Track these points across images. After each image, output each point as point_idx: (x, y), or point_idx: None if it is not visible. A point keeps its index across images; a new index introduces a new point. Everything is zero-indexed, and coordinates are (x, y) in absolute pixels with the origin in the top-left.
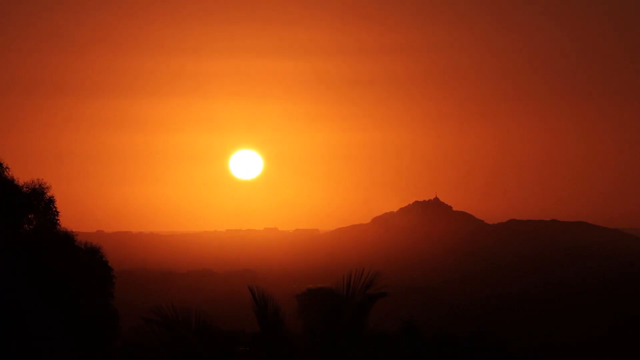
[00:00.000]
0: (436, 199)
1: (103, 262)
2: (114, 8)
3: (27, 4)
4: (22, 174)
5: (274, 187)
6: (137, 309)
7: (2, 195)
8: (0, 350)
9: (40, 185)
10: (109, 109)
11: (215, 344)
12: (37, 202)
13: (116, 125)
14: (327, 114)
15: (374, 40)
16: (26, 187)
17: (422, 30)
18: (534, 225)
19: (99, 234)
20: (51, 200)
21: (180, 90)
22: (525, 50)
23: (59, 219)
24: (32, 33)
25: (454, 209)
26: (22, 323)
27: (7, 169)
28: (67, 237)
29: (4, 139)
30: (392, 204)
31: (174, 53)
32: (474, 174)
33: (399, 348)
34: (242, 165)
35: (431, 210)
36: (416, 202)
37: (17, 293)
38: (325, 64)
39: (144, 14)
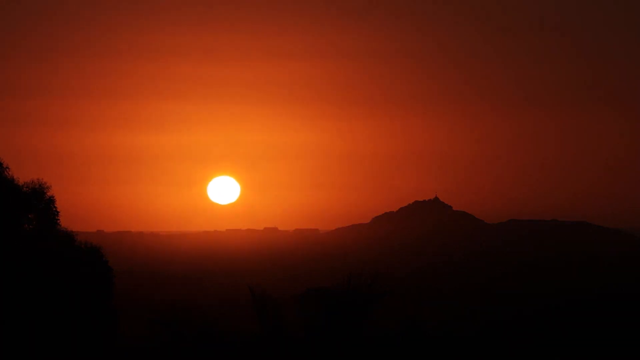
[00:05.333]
0: (436, 199)
1: (103, 262)
2: (113, 13)
3: (28, 7)
4: (22, 174)
5: (268, 192)
6: (137, 309)
7: (2, 195)
8: (0, 349)
9: (40, 185)
10: (109, 110)
11: (215, 344)
12: (37, 202)
13: (116, 126)
14: (326, 114)
15: (372, 41)
16: (26, 187)
17: (420, 31)
18: (534, 225)
19: (99, 234)
20: (51, 200)
21: (180, 93)
22: (524, 51)
23: (59, 219)
24: (32, 35)
25: (454, 209)
26: (21, 322)
27: (7, 169)
28: (67, 237)
29: (4, 139)
30: (392, 204)
31: (174, 57)
32: (474, 174)
33: (400, 348)
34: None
35: (431, 210)
36: (416, 202)
37: (17, 293)
38: (325, 66)
39: (139, 19)
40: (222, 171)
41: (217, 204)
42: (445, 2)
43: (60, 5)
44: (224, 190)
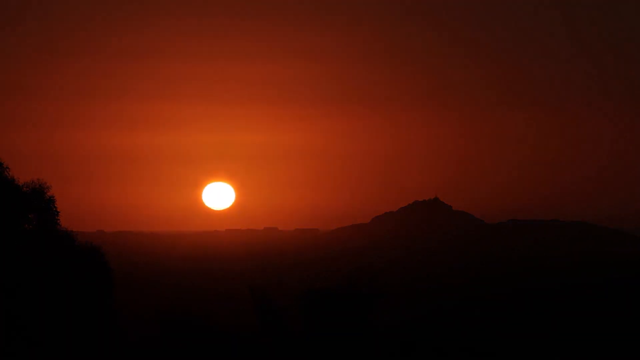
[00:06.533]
0: (436, 199)
1: (103, 262)
2: (112, 14)
3: (28, 8)
4: (22, 174)
5: (268, 193)
6: (137, 308)
7: (2, 195)
8: (0, 348)
9: (40, 185)
10: (109, 110)
11: (215, 343)
12: (37, 202)
13: (116, 126)
14: (327, 115)
15: (372, 41)
16: (26, 187)
17: (421, 31)
18: (534, 225)
19: (99, 234)
20: (51, 200)
21: (180, 94)
22: (524, 51)
23: (59, 219)
24: (33, 36)
25: (454, 209)
26: (22, 322)
27: (7, 169)
28: (67, 237)
29: (4, 139)
30: (392, 204)
31: (174, 58)
32: (474, 174)
33: (400, 347)
34: (215, 194)
35: (431, 210)
36: (416, 202)
37: (17, 292)
38: (326, 66)
39: (139, 21)
40: (220, 173)
41: (212, 210)
42: (445, 1)
43: (59, 6)
44: (218, 196)
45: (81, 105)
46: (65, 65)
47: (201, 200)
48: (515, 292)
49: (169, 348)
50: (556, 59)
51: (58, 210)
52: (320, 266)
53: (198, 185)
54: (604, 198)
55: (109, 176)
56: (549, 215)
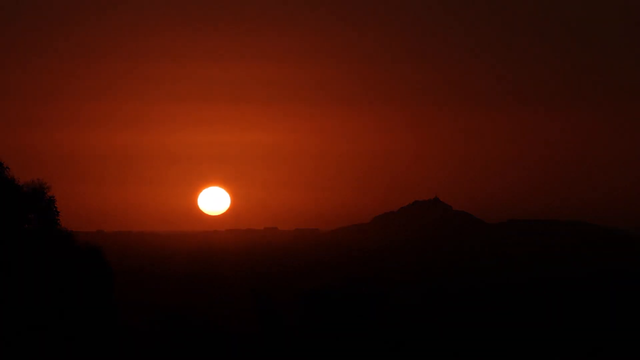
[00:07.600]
0: (436, 199)
1: (103, 262)
2: (112, 15)
3: (27, 8)
4: (22, 174)
5: (268, 192)
6: (137, 308)
7: (2, 195)
8: (1, 346)
9: (40, 185)
10: (109, 110)
11: (215, 343)
12: (38, 202)
13: (116, 126)
14: (327, 115)
15: (373, 41)
16: (26, 187)
17: (421, 31)
18: (534, 225)
19: (99, 234)
20: (51, 200)
21: (180, 94)
22: (524, 51)
23: (59, 219)
24: (33, 36)
25: (454, 209)
26: (22, 321)
27: (7, 169)
28: (67, 237)
29: (4, 139)
30: (392, 204)
31: (173, 58)
32: (474, 174)
33: (400, 347)
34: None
35: (431, 210)
36: (416, 202)
37: (17, 292)
38: (326, 66)
39: (139, 21)
40: (219, 173)
41: (208, 215)
42: (444, 0)
43: (59, 7)
44: (215, 200)
45: (81, 106)
46: (65, 65)
47: (197, 205)
48: (515, 292)
49: (169, 348)
50: (558, 58)
51: (58, 210)
52: (320, 266)
53: (196, 187)
54: (604, 198)
55: (109, 176)
56: (549, 215)
